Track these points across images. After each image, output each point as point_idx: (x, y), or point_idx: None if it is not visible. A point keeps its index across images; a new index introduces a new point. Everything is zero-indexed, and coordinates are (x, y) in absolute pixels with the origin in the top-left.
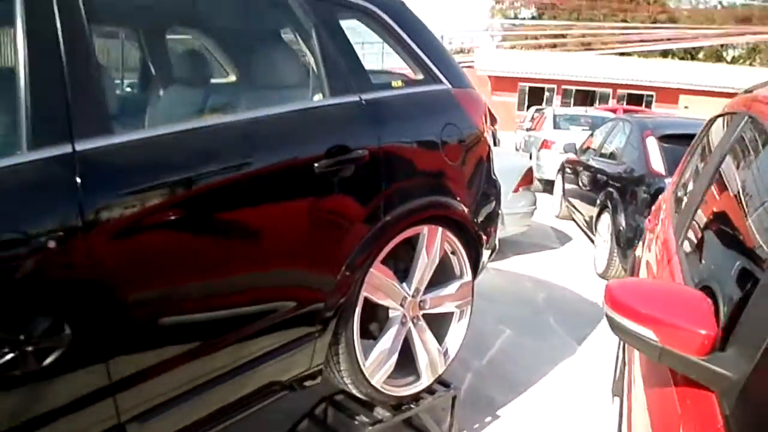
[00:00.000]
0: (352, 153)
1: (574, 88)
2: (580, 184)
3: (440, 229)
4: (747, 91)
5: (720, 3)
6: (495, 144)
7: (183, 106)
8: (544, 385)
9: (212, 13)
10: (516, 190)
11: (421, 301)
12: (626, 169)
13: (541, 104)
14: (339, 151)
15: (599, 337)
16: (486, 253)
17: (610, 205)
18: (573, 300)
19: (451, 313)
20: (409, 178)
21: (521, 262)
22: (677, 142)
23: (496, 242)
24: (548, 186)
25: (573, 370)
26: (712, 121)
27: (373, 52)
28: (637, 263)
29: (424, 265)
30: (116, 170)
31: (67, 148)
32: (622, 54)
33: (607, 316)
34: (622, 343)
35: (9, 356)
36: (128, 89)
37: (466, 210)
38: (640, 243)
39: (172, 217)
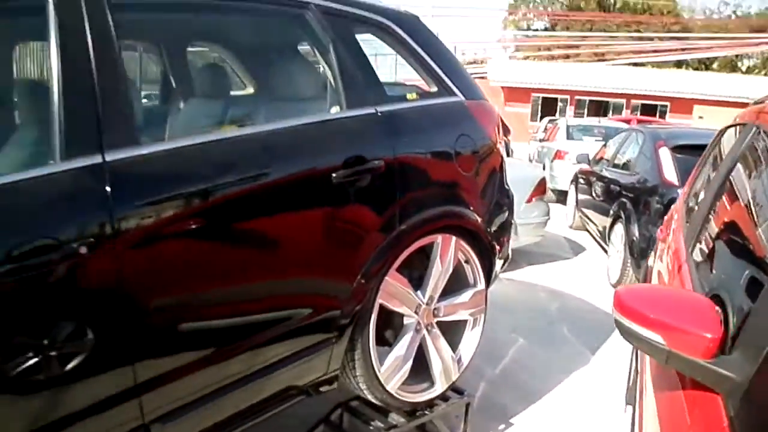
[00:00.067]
0: (368, 164)
1: (587, 98)
2: (594, 194)
3: (454, 238)
4: (757, 102)
5: (734, 13)
6: (508, 154)
7: (206, 118)
8: (557, 394)
9: (235, 29)
10: (529, 201)
11: (435, 309)
12: (639, 180)
13: (554, 115)
14: (356, 162)
15: (613, 346)
16: (499, 263)
17: (623, 215)
18: (586, 310)
19: (465, 321)
20: (424, 188)
21: (535, 272)
22: (690, 152)
23: (509, 252)
24: (561, 196)
25: (586, 379)
26: (723, 131)
27: (387, 64)
28: (649, 273)
29: (438, 274)
30: (143, 180)
31: (97, 159)
32: (635, 64)
33: (615, 320)
34: (634, 352)
35: (44, 358)
36: (152, 102)
37: (479, 219)
38: (653, 253)
39: (196, 226)
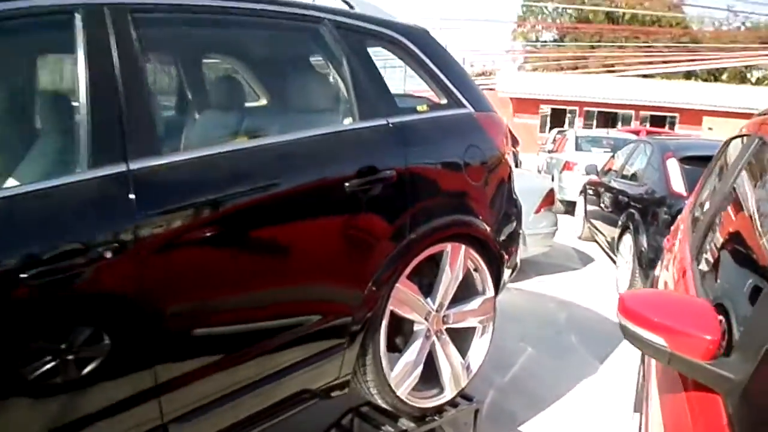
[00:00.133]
0: (380, 173)
1: (596, 110)
2: (602, 205)
3: (463, 246)
4: (761, 114)
5: (743, 24)
6: (516, 165)
7: (224, 129)
8: (565, 402)
9: (253, 43)
10: (538, 211)
11: (444, 316)
12: (648, 190)
13: (563, 126)
14: (368, 172)
15: (621, 356)
16: (507, 272)
17: (631, 226)
18: (595, 320)
19: (474, 329)
20: (434, 198)
21: (543, 283)
22: (698, 163)
23: (518, 260)
24: (570, 207)
25: (595, 387)
26: (728, 142)
27: (396, 76)
28: (656, 282)
29: (448, 281)
30: (164, 188)
31: (122, 167)
32: (644, 76)
33: (620, 324)
34: (641, 361)
35: (71, 358)
36: (172, 112)
37: (488, 228)
38: (659, 262)
39: (215, 232)
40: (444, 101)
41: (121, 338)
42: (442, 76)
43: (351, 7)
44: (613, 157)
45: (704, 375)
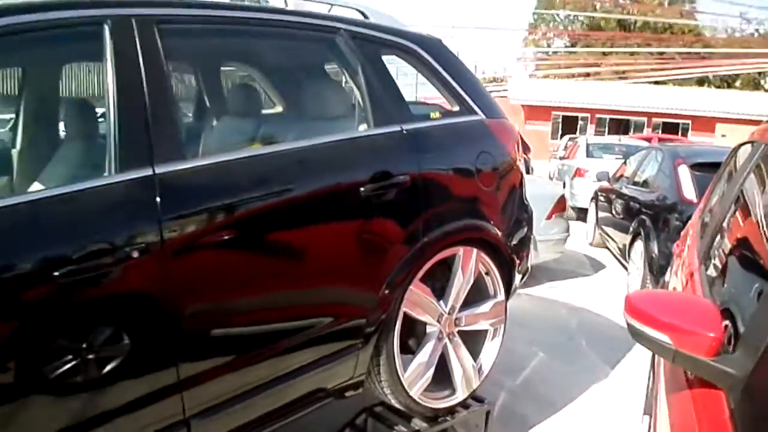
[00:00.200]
0: (394, 178)
1: (608, 116)
2: (614, 211)
3: (475, 250)
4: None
5: (756, 31)
6: (528, 172)
7: (244, 135)
8: (576, 406)
9: (272, 53)
10: (549, 217)
11: (456, 319)
12: (659, 197)
13: (574, 133)
14: (383, 177)
15: (631, 361)
16: (518, 276)
17: (642, 232)
18: (606, 326)
19: (485, 331)
20: (446, 202)
21: (555, 289)
22: (709, 170)
23: (528, 265)
24: (582, 214)
25: (605, 392)
26: (737, 149)
27: (408, 83)
28: (665, 287)
29: (460, 284)
30: (188, 191)
31: (148, 171)
32: (657, 82)
33: (627, 323)
34: (651, 365)
35: (100, 354)
36: (194, 119)
37: (499, 233)
38: (669, 268)
39: (236, 235)
40: (456, 108)
41: (147, 335)
42: (454, 84)
43: (366, 17)
44: (624, 163)
45: (707, 371)
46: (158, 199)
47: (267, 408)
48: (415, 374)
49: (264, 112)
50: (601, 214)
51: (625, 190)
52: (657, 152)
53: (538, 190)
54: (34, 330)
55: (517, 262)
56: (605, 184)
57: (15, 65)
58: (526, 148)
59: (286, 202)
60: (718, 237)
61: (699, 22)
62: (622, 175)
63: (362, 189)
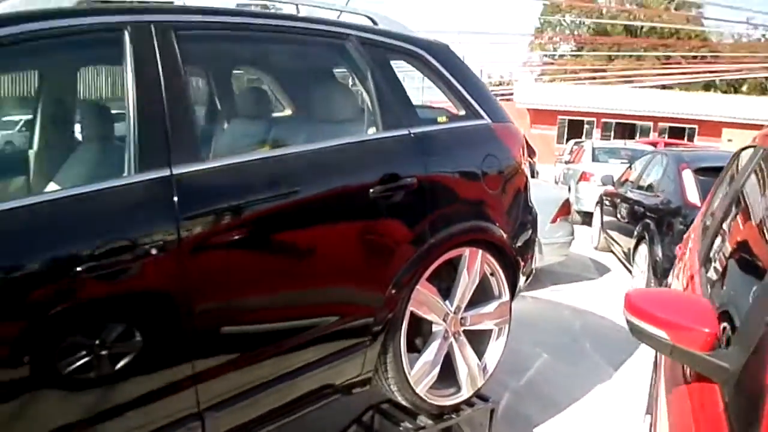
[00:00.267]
0: (402, 180)
1: (613, 121)
2: (618, 215)
3: (480, 251)
4: None
5: (763, 36)
6: (533, 175)
7: (257, 137)
8: (580, 406)
9: (284, 58)
10: (554, 221)
11: (462, 318)
12: (663, 201)
13: (580, 137)
14: (391, 179)
15: (635, 363)
16: (523, 278)
17: (647, 236)
18: (610, 328)
19: (490, 331)
20: (452, 204)
21: (559, 292)
22: (713, 174)
23: (533, 267)
24: (587, 218)
25: (608, 392)
26: (738, 153)
27: (415, 86)
28: None
29: (465, 284)
30: (204, 192)
31: (166, 172)
32: (663, 87)
33: (626, 320)
34: (653, 366)
35: (120, 348)
36: (208, 121)
37: (504, 235)
38: (671, 271)
39: (250, 234)
40: (462, 112)
41: (164, 330)
42: (460, 89)
43: (375, 23)
44: (629, 168)
45: (703, 365)
46: (176, 199)
47: (278, 402)
48: (421, 372)
49: (275, 115)
50: (606, 218)
51: (629, 194)
52: (662, 157)
53: (543, 193)
54: (58, 325)
55: (522, 263)
56: (610, 188)
57: (39, 68)
58: (531, 152)
59: (298, 203)
60: (718, 239)
61: (706, 28)
62: (627, 180)
63: (371, 191)
